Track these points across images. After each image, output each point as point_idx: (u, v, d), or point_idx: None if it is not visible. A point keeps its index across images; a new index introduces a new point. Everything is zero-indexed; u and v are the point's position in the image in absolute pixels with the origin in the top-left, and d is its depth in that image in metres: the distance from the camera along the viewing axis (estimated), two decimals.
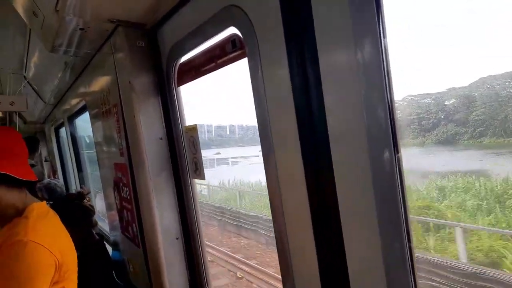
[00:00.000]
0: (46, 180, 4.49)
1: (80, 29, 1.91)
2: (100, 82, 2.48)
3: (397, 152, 0.90)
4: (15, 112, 3.72)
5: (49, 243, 1.34)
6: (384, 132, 0.90)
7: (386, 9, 0.89)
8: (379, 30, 0.89)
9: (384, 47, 0.89)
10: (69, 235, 1.58)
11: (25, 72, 3.90)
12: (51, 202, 3.07)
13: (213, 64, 1.57)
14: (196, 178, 1.87)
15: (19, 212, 1.44)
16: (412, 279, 0.93)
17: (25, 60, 3.57)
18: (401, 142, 0.91)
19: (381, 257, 0.95)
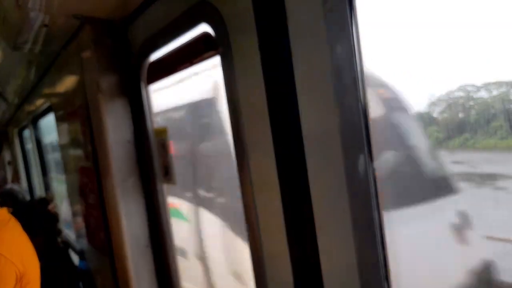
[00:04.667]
0: (8, 185, 4.30)
1: (44, 25, 1.81)
2: (66, 82, 2.37)
3: (371, 155, 0.88)
4: None
5: (10, 253, 1.28)
6: (357, 136, 0.88)
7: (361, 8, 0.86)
8: (352, 31, 0.86)
9: (358, 48, 0.87)
10: (31, 244, 1.50)
11: None
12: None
13: (185, 62, 1.51)
14: (166, 183, 1.79)
15: None
16: (386, 285, 0.90)
17: None
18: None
19: (356, 263, 0.92)
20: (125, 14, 1.76)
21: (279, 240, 1.13)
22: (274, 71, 1.06)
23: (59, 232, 2.65)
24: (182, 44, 1.50)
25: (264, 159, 1.12)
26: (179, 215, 2.69)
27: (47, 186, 4.46)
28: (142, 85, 1.79)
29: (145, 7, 1.65)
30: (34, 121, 4.15)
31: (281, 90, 1.05)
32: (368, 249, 0.90)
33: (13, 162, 6.04)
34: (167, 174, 1.75)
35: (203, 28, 1.35)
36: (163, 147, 1.73)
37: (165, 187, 1.86)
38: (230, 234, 2.39)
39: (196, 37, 1.42)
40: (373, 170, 0.88)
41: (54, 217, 2.57)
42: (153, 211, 1.90)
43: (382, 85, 1.76)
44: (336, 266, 0.99)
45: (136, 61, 1.79)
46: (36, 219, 2.42)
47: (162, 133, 1.73)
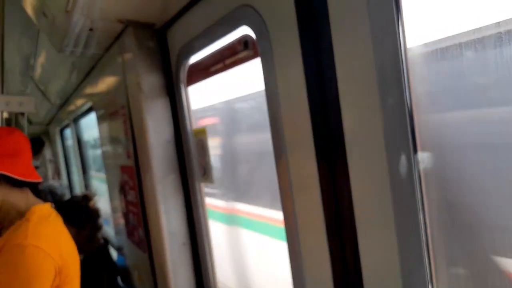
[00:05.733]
0: (49, 182, 4.48)
1: (89, 29, 1.89)
2: (108, 83, 2.45)
3: (417, 156, 0.86)
4: (21, 113, 3.71)
5: (50, 247, 1.31)
6: (402, 134, 0.86)
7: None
8: (398, 28, 0.85)
9: (403, 45, 0.85)
10: (71, 239, 1.55)
11: (32, 73, 3.90)
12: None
13: (223, 65, 1.53)
14: (204, 182, 1.83)
15: (22, 214, 1.41)
16: None
17: (32, 61, 3.57)
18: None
19: (398, 266, 0.91)
20: (166, 19, 1.81)
21: (318, 240, 1.13)
22: (316, 72, 1.06)
23: (100, 227, 2.74)
24: (222, 47, 1.53)
25: (305, 159, 1.13)
26: None
27: (86, 183, 4.63)
28: (182, 86, 1.83)
29: (184, 12, 1.69)
30: (75, 120, 4.31)
31: (323, 90, 1.05)
32: (412, 251, 0.88)
33: (54, 160, 6.28)
34: (205, 173, 1.78)
35: (243, 30, 1.37)
36: (202, 147, 1.77)
37: (203, 186, 1.89)
38: None
39: (236, 39, 1.44)
40: (419, 171, 0.87)
41: (95, 213, 2.66)
42: (191, 210, 1.94)
43: None
44: (378, 267, 0.98)
45: (176, 63, 1.84)
46: (78, 214, 2.52)
47: (201, 133, 1.77)
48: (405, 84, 0.85)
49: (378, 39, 0.88)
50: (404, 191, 0.88)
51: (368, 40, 0.90)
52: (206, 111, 2.04)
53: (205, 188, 1.90)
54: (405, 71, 0.85)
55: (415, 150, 0.86)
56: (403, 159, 0.87)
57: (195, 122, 1.87)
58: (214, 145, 2.62)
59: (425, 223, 0.87)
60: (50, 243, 1.33)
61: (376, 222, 0.96)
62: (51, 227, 1.44)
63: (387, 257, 0.94)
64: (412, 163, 0.86)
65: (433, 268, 0.88)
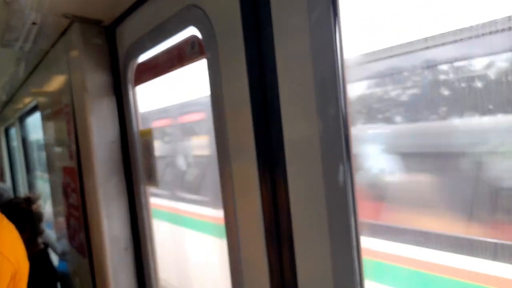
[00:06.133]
0: None
1: (33, 23, 1.80)
2: (53, 81, 2.35)
3: (350, 165, 0.88)
4: None
5: (7, 251, 1.31)
6: (337, 145, 0.88)
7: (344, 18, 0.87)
8: (336, 41, 0.86)
9: (340, 57, 0.87)
10: (23, 243, 1.52)
11: None
12: None
13: (172, 64, 1.51)
14: (149, 185, 1.78)
15: None
16: None
17: None
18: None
19: (331, 270, 0.93)
20: (114, 16, 1.76)
21: (257, 245, 1.12)
22: (259, 77, 1.06)
23: (41, 232, 2.60)
24: (171, 46, 1.50)
25: (246, 164, 1.12)
26: None
27: (30, 185, 4.40)
28: (129, 86, 1.78)
29: (133, 9, 1.65)
30: (21, 119, 4.10)
31: (265, 96, 1.05)
32: (343, 256, 0.90)
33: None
34: (151, 176, 1.73)
35: (192, 31, 1.36)
36: (148, 148, 1.72)
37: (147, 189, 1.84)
38: None
39: (184, 39, 1.42)
40: (352, 179, 0.88)
41: (37, 216, 2.53)
42: (136, 213, 1.89)
43: None
44: (312, 273, 0.99)
45: (124, 62, 1.79)
46: (18, 217, 2.38)
47: (147, 135, 1.72)
48: (340, 94, 0.87)
49: (317, 50, 0.89)
50: (337, 199, 0.89)
51: (308, 50, 0.91)
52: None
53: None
54: (341, 82, 0.87)
55: (349, 159, 0.88)
56: (336, 167, 0.88)
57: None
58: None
59: (356, 228, 0.89)
60: (8, 247, 1.33)
61: (311, 230, 0.97)
62: (7, 231, 1.42)
63: (321, 264, 0.95)
64: (345, 171, 0.87)
65: (363, 273, 0.90)
